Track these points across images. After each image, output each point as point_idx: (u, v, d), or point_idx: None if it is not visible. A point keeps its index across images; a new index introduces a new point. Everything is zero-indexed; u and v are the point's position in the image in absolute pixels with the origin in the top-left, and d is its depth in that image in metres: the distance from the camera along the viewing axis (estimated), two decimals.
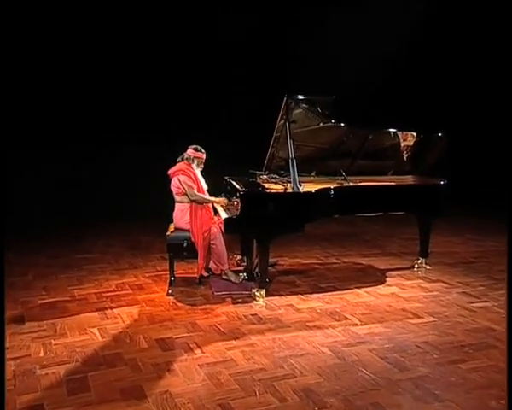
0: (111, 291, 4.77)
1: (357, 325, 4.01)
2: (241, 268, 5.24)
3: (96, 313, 4.22)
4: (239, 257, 5.51)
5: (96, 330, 3.87)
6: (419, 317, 4.20)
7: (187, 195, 4.64)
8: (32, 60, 7.55)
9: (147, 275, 5.29)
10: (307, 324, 4.01)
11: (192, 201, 4.64)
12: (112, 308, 4.33)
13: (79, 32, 7.70)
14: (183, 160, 4.78)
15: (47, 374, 3.19)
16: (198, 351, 3.50)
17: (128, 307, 4.34)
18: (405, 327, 3.99)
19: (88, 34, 7.74)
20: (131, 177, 8.04)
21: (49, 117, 7.76)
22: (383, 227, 7.63)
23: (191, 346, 3.58)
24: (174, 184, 4.71)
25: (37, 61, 7.60)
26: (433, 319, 4.17)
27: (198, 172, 4.79)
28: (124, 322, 4.04)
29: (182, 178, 4.64)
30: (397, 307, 4.43)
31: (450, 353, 3.56)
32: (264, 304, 4.40)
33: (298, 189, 4.47)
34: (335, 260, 5.96)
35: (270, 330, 3.86)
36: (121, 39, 7.85)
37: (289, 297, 4.60)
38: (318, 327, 3.95)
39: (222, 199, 4.90)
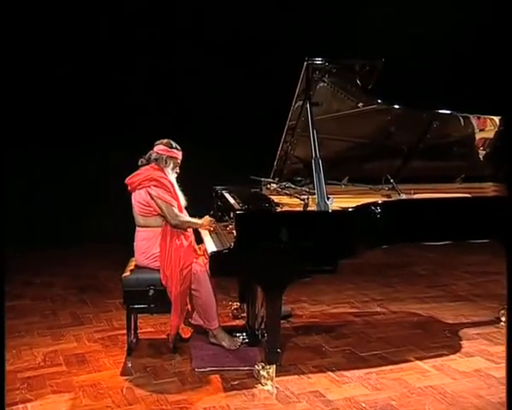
0: (32, 368, 3.82)
1: None
2: (240, 322, 4.56)
3: None
4: (236, 305, 4.79)
5: None
6: None
7: (165, 217, 3.91)
8: None
9: (96, 336, 4.43)
10: None
11: (173, 226, 3.94)
12: (26, 403, 3.31)
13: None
14: (149, 162, 4.07)
15: None
16: None
17: (53, 401, 3.35)
18: None
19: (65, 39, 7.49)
20: (88, 191, 7.60)
21: None
22: (441, 255, 6.81)
23: None
24: (141, 201, 3.98)
25: None
26: None
27: (174, 179, 4.11)
28: None
29: (155, 192, 3.92)
30: (491, 397, 3.34)
31: None
32: (274, 391, 3.46)
33: (326, 204, 3.66)
34: (378, 309, 5.09)
35: None
36: (107, 41, 7.55)
37: (314, 377, 3.63)
38: None
39: (207, 218, 4.20)
